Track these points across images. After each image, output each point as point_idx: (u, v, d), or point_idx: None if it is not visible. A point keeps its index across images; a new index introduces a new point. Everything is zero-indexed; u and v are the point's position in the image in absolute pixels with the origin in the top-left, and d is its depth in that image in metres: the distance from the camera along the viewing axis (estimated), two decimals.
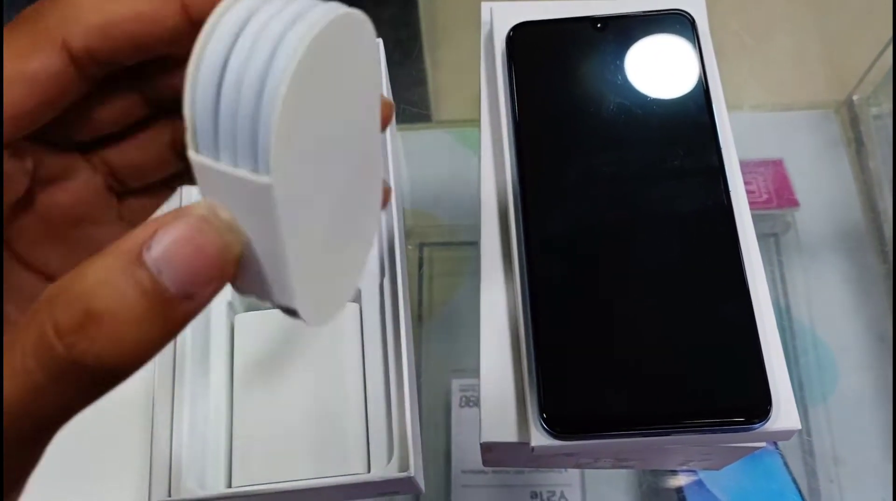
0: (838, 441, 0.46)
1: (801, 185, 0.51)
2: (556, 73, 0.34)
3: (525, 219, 0.31)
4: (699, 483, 0.42)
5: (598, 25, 0.34)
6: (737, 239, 0.30)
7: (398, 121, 0.55)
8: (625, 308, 0.29)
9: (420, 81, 0.59)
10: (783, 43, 0.59)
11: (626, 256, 0.30)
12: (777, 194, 0.50)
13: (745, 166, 0.51)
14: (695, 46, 0.34)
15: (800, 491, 0.42)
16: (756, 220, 0.51)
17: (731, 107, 0.61)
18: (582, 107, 0.33)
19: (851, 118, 0.55)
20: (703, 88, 0.33)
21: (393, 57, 0.50)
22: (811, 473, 0.45)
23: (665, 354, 0.28)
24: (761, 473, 0.43)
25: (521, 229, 0.31)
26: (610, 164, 0.32)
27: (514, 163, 0.33)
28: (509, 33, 0.34)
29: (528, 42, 0.34)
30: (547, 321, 0.29)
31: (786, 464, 0.43)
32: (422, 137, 0.57)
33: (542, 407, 0.28)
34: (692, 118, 0.32)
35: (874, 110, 0.54)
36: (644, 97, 0.33)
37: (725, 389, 0.28)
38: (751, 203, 0.50)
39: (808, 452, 0.45)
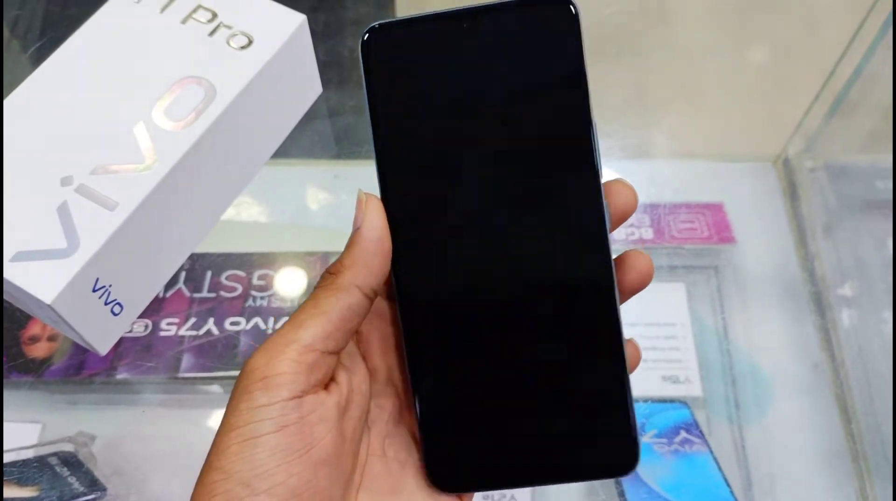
0: (774, 457, 0.50)
1: (740, 226, 0.57)
2: (418, 82, 0.29)
3: (395, 274, 0.29)
4: (636, 476, 0.47)
5: (465, 25, 0.28)
6: (613, 289, 0.29)
7: None
8: (500, 369, 0.29)
9: None
10: (731, 99, 0.65)
11: (498, 309, 0.29)
12: (717, 231, 0.56)
13: (689, 208, 0.57)
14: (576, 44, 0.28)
15: (730, 488, 0.47)
16: (697, 254, 0.57)
17: (679, 156, 0.66)
18: (444, 123, 0.29)
19: (788, 170, 0.61)
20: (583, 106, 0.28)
21: None
22: (747, 484, 0.49)
23: (541, 413, 0.29)
24: (694, 469, 0.48)
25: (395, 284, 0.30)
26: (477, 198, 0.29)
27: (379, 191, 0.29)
28: (364, 38, 0.29)
29: (388, 48, 0.29)
30: (425, 386, 0.30)
31: (717, 462, 0.48)
32: None
33: (427, 466, 0.30)
34: (569, 149, 0.29)
35: (808, 164, 0.61)
36: (513, 115, 0.29)
37: (597, 447, 0.29)
38: (692, 239, 0.55)
39: (743, 466, 0.50)
